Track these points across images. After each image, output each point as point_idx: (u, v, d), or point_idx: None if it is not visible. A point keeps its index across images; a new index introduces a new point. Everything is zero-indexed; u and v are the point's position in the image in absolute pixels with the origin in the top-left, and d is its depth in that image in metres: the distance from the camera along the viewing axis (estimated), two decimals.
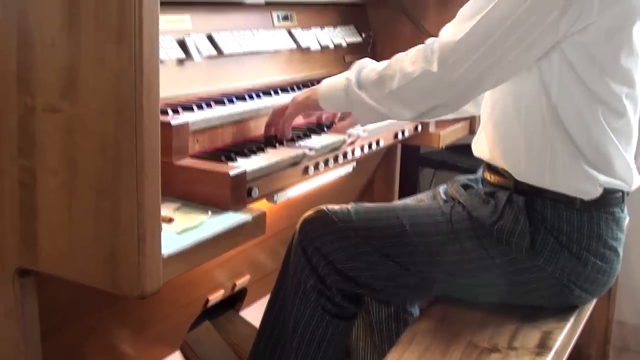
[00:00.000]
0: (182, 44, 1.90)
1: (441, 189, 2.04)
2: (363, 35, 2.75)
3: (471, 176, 1.99)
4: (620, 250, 1.82)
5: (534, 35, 1.64)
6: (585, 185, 1.74)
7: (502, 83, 1.74)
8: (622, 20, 1.68)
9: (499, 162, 1.83)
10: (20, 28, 1.38)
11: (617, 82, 1.71)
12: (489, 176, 1.88)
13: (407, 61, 1.75)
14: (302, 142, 1.92)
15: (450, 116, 1.93)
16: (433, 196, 2.03)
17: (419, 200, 2.06)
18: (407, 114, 1.79)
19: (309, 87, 2.24)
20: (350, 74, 1.84)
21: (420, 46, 1.75)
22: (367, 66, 1.84)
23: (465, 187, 1.93)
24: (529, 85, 1.73)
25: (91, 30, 1.30)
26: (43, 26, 1.35)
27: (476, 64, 1.67)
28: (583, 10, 1.62)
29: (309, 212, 1.92)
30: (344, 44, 2.63)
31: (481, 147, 1.90)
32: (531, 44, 1.65)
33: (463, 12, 1.73)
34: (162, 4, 1.30)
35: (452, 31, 1.71)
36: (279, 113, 1.92)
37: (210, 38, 2.01)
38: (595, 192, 1.74)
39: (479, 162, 1.96)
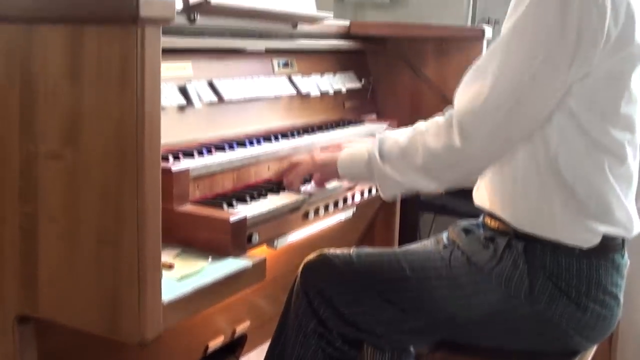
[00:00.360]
0: (183, 91, 1.92)
1: (444, 235, 2.04)
2: (363, 81, 2.77)
3: (473, 220, 1.99)
4: (621, 297, 1.82)
5: (547, 93, 1.65)
6: (584, 235, 1.74)
7: (523, 141, 1.73)
8: (622, 66, 1.69)
9: (499, 211, 1.83)
10: (24, 75, 1.39)
11: (619, 129, 1.72)
12: (489, 221, 1.88)
13: (430, 136, 1.75)
14: (302, 188, 1.92)
15: None
16: (436, 241, 2.03)
17: (422, 245, 2.06)
18: (432, 186, 1.80)
19: (308, 132, 2.26)
20: (372, 147, 1.84)
21: (439, 118, 1.76)
22: (389, 139, 1.84)
23: (466, 231, 1.93)
24: (528, 137, 1.73)
25: (94, 78, 1.31)
26: (46, 74, 1.37)
27: (496, 131, 1.68)
28: (586, 58, 1.63)
29: (311, 256, 1.92)
30: (344, 90, 2.65)
31: (481, 196, 1.90)
32: (545, 102, 1.66)
33: (472, 74, 1.74)
34: (163, 51, 1.32)
35: (465, 99, 1.71)
36: (295, 167, 1.94)
37: (211, 85, 2.03)
38: (594, 240, 1.74)
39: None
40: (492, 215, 1.86)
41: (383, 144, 1.84)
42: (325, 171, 1.93)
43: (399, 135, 1.83)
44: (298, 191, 1.90)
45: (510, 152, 1.76)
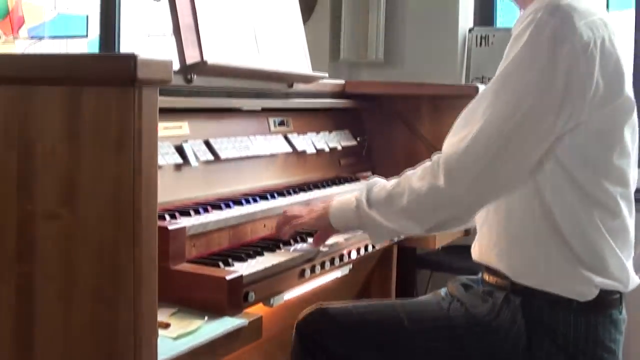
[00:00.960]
0: (180, 150, 1.94)
1: (442, 290, 2.04)
2: (358, 139, 2.80)
3: (472, 277, 1.99)
4: (619, 352, 1.81)
5: (534, 140, 1.66)
6: (581, 287, 1.74)
7: (511, 191, 1.74)
8: (613, 119, 1.71)
9: (496, 264, 1.83)
10: (22, 136, 1.41)
11: (612, 182, 1.73)
12: (487, 277, 1.88)
13: (415, 178, 1.77)
14: (299, 246, 1.93)
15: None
16: (434, 295, 2.03)
17: (421, 298, 2.06)
18: (418, 229, 1.81)
19: (304, 190, 2.28)
20: (360, 194, 1.86)
21: (427, 162, 1.78)
22: (377, 185, 1.87)
23: (465, 286, 1.93)
24: (522, 190, 1.74)
25: (91, 139, 1.33)
26: (44, 134, 1.38)
27: (481, 175, 1.68)
28: (574, 110, 1.64)
29: (308, 309, 1.93)
30: (339, 148, 2.67)
31: (479, 249, 1.91)
32: (532, 149, 1.67)
33: (461, 121, 1.76)
34: (160, 111, 1.33)
35: (453, 142, 1.73)
36: (289, 218, 1.95)
37: (208, 143, 2.05)
38: (591, 294, 1.74)
39: (475, 263, 1.97)
40: (490, 269, 1.86)
41: (371, 191, 1.86)
42: (319, 225, 1.93)
43: (388, 182, 1.86)
44: (286, 237, 1.92)
45: (506, 204, 1.77)
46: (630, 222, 1.80)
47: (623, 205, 1.76)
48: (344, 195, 1.96)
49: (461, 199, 1.72)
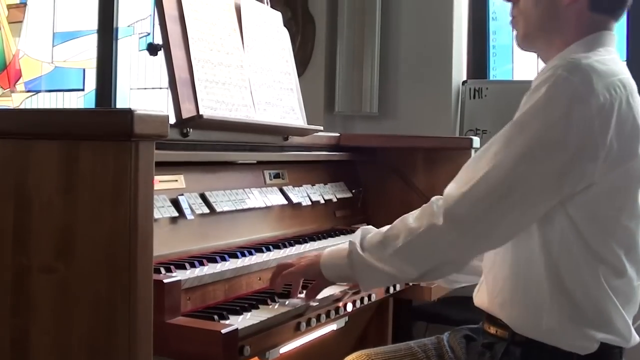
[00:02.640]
0: (176, 203, 1.94)
1: (445, 336, 2.03)
2: (353, 191, 2.81)
3: (473, 326, 1.98)
4: None
5: (538, 194, 1.66)
6: (582, 342, 1.72)
7: (508, 240, 1.73)
8: (625, 180, 1.70)
9: (498, 313, 1.83)
10: (18, 189, 1.42)
11: (618, 242, 1.72)
12: (488, 327, 1.87)
13: (412, 218, 1.76)
14: (294, 300, 1.92)
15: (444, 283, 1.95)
16: (437, 342, 2.02)
17: (423, 344, 2.04)
18: (413, 272, 1.77)
19: (300, 243, 2.28)
20: (353, 239, 1.85)
21: (425, 204, 1.77)
22: (371, 231, 1.86)
23: (467, 338, 1.93)
24: (530, 241, 1.73)
25: (88, 192, 1.34)
26: (41, 188, 1.39)
27: (481, 220, 1.67)
28: (585, 172, 1.64)
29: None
30: (335, 200, 2.68)
31: (481, 297, 1.90)
32: (535, 203, 1.67)
33: (467, 166, 1.76)
34: (156, 164, 1.35)
35: (456, 185, 1.72)
36: (281, 269, 1.93)
37: (203, 197, 2.05)
38: (591, 348, 1.73)
39: (472, 314, 1.97)
40: (491, 318, 1.86)
41: (365, 236, 1.85)
42: (309, 273, 1.91)
43: (384, 227, 1.84)
44: (279, 289, 1.91)
45: (512, 254, 1.76)
46: (637, 283, 1.78)
47: (629, 265, 1.74)
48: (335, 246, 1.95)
49: (459, 241, 1.70)
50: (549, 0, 1.81)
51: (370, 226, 1.91)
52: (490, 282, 1.85)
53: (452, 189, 1.73)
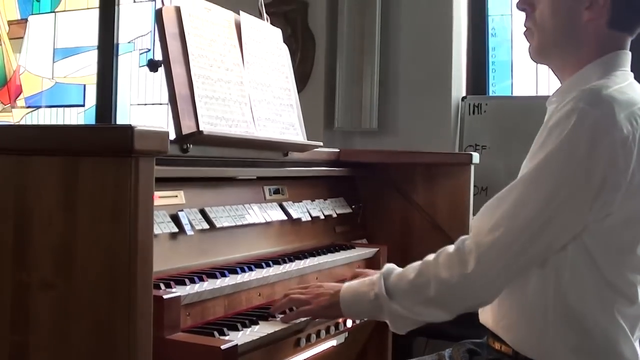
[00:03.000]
0: (175, 219, 1.94)
1: (446, 352, 2.02)
2: (353, 206, 2.81)
3: (477, 340, 1.98)
4: None
5: (564, 230, 1.66)
6: None
7: (536, 267, 1.73)
8: None
9: (502, 333, 1.82)
10: (18, 205, 1.42)
11: (632, 270, 1.71)
12: (492, 342, 1.87)
13: (441, 267, 1.74)
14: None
15: None
16: (438, 359, 2.02)
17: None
18: (446, 316, 1.78)
19: (300, 258, 2.28)
20: (377, 285, 1.82)
21: (451, 248, 1.75)
22: (393, 274, 1.84)
23: (470, 352, 1.92)
24: (540, 268, 1.72)
25: (87, 208, 1.34)
26: (40, 204, 1.39)
27: (510, 263, 1.68)
28: (607, 202, 1.63)
29: None
30: (335, 215, 2.68)
31: (487, 316, 1.89)
32: (561, 237, 1.67)
33: (491, 207, 1.73)
34: (156, 180, 1.35)
35: (483, 229, 1.71)
36: (294, 303, 1.92)
37: (203, 212, 2.06)
38: None
39: (473, 330, 1.96)
40: (495, 335, 1.85)
41: (387, 280, 1.82)
42: (328, 314, 1.92)
43: (405, 270, 1.82)
44: (288, 321, 1.89)
45: (522, 280, 1.75)
46: None
47: None
48: (338, 266, 1.94)
49: (490, 285, 1.71)
50: (568, 13, 1.78)
51: (388, 265, 1.88)
52: (496, 305, 1.84)
53: (479, 233, 1.72)
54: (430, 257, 1.79)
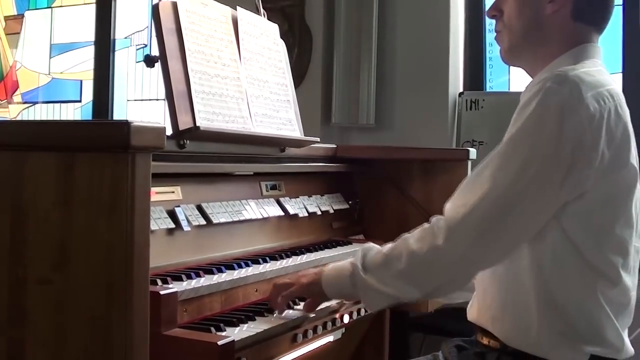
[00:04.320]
0: (172, 214, 1.94)
1: (440, 353, 2.03)
2: (350, 202, 2.81)
3: (466, 338, 1.98)
4: None
5: (537, 207, 1.67)
6: (571, 354, 1.73)
7: (508, 256, 1.74)
8: (617, 190, 1.72)
9: (489, 327, 1.83)
10: (14, 201, 1.42)
11: (613, 251, 1.73)
12: (481, 338, 1.88)
13: (413, 239, 1.77)
14: (291, 311, 1.93)
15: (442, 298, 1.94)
16: (433, 359, 2.02)
17: None
18: (416, 292, 1.79)
19: (296, 254, 2.28)
20: (355, 260, 1.84)
21: (425, 225, 1.78)
22: (372, 250, 1.85)
23: (459, 348, 1.93)
24: (520, 257, 1.74)
25: (84, 204, 1.34)
26: (37, 200, 1.39)
27: (482, 238, 1.69)
28: (580, 179, 1.65)
29: None
30: (332, 211, 2.68)
31: (474, 312, 1.91)
32: (535, 216, 1.68)
33: (465, 185, 1.76)
34: (153, 176, 1.35)
35: (455, 205, 1.73)
36: (280, 289, 1.92)
37: (200, 208, 2.06)
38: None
39: (469, 325, 1.97)
40: (483, 331, 1.86)
41: (366, 256, 1.84)
42: (311, 291, 1.92)
43: (384, 246, 1.84)
44: (282, 312, 1.90)
45: (503, 269, 1.77)
46: (633, 293, 1.79)
47: (624, 274, 1.75)
48: (336, 261, 1.95)
49: (460, 261, 1.72)
50: (532, 10, 1.84)
51: (370, 243, 1.91)
52: (481, 297, 1.86)
53: (452, 209, 1.74)
54: (407, 234, 1.81)
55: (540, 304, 1.73)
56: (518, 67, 2.00)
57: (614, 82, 1.79)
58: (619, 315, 1.77)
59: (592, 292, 1.72)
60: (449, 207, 1.76)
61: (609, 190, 1.70)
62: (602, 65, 1.83)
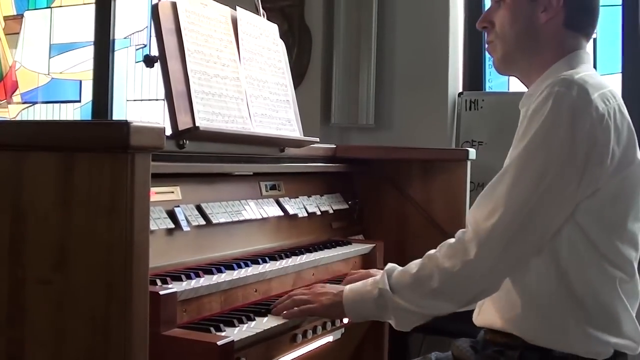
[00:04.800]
0: (172, 214, 1.94)
1: (433, 355, 2.02)
2: (349, 202, 2.81)
3: (474, 339, 1.98)
4: None
5: (557, 209, 1.71)
6: (597, 347, 1.75)
7: (534, 256, 1.76)
8: (626, 187, 1.76)
9: (508, 328, 1.83)
10: (14, 201, 1.42)
11: (626, 245, 1.77)
12: (493, 337, 1.88)
13: (443, 257, 1.77)
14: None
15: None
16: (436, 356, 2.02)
17: None
18: (452, 307, 1.81)
19: (296, 254, 2.28)
20: (379, 282, 1.84)
21: (450, 241, 1.79)
22: (395, 270, 1.86)
23: (474, 349, 1.92)
24: (539, 255, 1.76)
25: (84, 204, 1.34)
26: (36, 200, 1.39)
27: (510, 246, 1.71)
28: (593, 177, 1.69)
29: None
30: (331, 211, 2.68)
31: (486, 317, 1.90)
32: (555, 217, 1.72)
33: (485, 196, 1.77)
34: (152, 176, 1.35)
35: (479, 217, 1.75)
36: (297, 303, 1.91)
37: (199, 208, 2.05)
38: (607, 353, 1.76)
39: (470, 326, 1.96)
40: (493, 331, 1.86)
41: (391, 277, 1.84)
42: (331, 313, 1.93)
43: (407, 265, 1.84)
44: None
45: (523, 270, 1.78)
46: None
47: (637, 267, 1.79)
48: (336, 261, 1.95)
49: (494, 270, 1.74)
50: (526, 19, 1.88)
51: (390, 264, 1.91)
52: (497, 299, 1.84)
53: (476, 222, 1.75)
54: (432, 251, 1.82)
55: (562, 296, 1.75)
56: (512, 75, 2.05)
57: (610, 85, 1.84)
58: (635, 307, 1.81)
59: (612, 283, 1.76)
60: (472, 218, 1.78)
61: (618, 187, 1.74)
62: (594, 70, 1.88)
